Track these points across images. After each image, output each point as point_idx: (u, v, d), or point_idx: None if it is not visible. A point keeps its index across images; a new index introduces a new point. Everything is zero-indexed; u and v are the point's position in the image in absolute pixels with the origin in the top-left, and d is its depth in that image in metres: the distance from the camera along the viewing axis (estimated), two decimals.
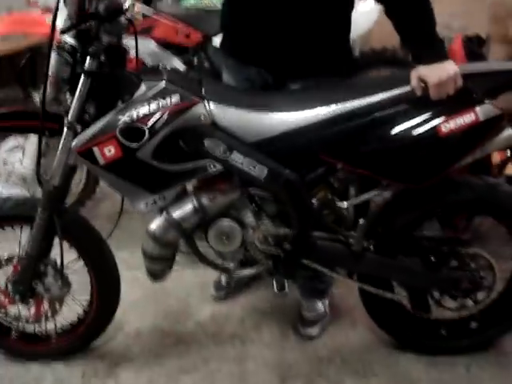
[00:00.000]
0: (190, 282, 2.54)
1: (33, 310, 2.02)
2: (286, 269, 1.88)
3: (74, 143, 1.68)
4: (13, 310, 2.06)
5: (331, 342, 2.20)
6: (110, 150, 1.66)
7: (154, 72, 1.75)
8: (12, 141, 2.77)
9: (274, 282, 1.92)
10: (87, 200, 3.04)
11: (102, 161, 1.67)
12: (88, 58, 1.63)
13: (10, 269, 1.97)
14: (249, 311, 2.41)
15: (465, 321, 2.02)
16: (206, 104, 1.68)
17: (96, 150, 1.66)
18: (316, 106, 1.68)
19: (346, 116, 1.66)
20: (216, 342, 2.23)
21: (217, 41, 2.65)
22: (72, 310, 2.09)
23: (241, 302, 2.47)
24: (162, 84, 1.67)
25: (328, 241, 1.84)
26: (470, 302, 1.92)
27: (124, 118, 1.64)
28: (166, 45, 2.65)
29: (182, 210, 1.76)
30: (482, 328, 2.02)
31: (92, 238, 1.99)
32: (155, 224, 1.78)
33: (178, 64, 2.62)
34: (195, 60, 2.70)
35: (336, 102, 1.67)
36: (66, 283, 1.97)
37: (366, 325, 2.18)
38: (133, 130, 1.65)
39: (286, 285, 1.92)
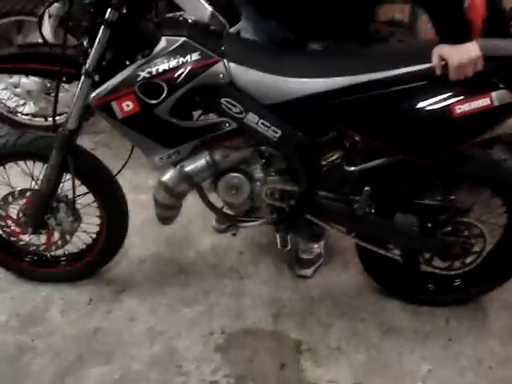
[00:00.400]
0: (193, 208, 2.57)
1: (44, 239, 2.12)
2: (289, 222, 1.96)
3: (92, 96, 1.69)
4: (25, 238, 2.15)
5: (323, 283, 2.32)
6: (128, 105, 1.67)
7: (175, 24, 1.72)
8: None
9: (278, 238, 2.01)
10: (91, 116, 3.04)
11: (119, 115, 1.69)
12: (109, 8, 1.60)
13: (23, 201, 2.03)
14: (248, 245, 2.52)
15: (451, 277, 2.14)
16: (226, 63, 1.67)
17: (114, 104, 1.67)
18: (335, 75, 1.68)
19: (364, 87, 1.67)
20: (215, 274, 2.35)
21: None
22: (82, 238, 2.19)
23: (240, 234, 2.58)
24: (183, 40, 1.65)
25: (332, 201, 1.91)
26: (458, 264, 2.04)
27: (143, 74, 1.65)
28: None
29: (195, 165, 1.81)
30: (465, 285, 2.15)
31: (102, 175, 2.04)
32: (168, 175, 1.83)
33: None
34: None
35: (355, 72, 1.67)
36: (77, 218, 2.05)
37: (358, 267, 2.27)
38: (152, 86, 1.66)
39: (289, 241, 2.01)
